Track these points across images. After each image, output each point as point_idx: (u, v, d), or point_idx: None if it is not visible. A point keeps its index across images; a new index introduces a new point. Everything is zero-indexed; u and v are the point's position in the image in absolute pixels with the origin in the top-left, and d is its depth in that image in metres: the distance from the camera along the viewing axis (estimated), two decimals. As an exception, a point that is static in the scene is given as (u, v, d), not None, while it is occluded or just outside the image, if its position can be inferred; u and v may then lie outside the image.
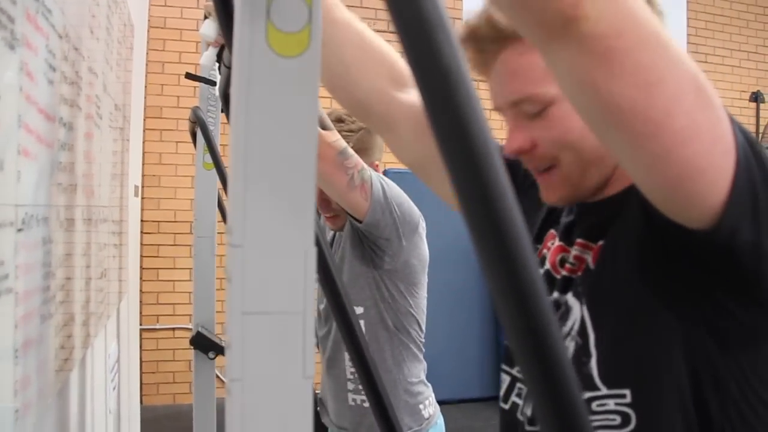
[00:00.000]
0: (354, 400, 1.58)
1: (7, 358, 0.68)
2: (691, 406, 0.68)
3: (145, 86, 3.99)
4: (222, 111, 1.76)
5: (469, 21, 0.77)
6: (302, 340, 0.42)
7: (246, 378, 0.42)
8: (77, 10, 1.05)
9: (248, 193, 0.42)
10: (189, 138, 2.18)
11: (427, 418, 1.58)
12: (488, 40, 0.76)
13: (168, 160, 4.57)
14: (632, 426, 0.69)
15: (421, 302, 1.61)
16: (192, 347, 1.92)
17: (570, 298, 0.79)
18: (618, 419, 0.70)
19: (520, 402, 0.86)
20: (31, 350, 0.77)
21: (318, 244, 0.43)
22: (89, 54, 1.18)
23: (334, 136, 1.38)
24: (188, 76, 1.41)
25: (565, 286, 0.81)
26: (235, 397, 0.42)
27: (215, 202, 2.00)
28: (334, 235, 1.68)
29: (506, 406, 0.88)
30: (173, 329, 4.55)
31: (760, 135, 6.11)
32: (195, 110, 1.62)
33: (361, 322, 1.54)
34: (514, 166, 0.87)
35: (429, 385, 1.65)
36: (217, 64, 1.15)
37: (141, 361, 4.03)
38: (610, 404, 0.70)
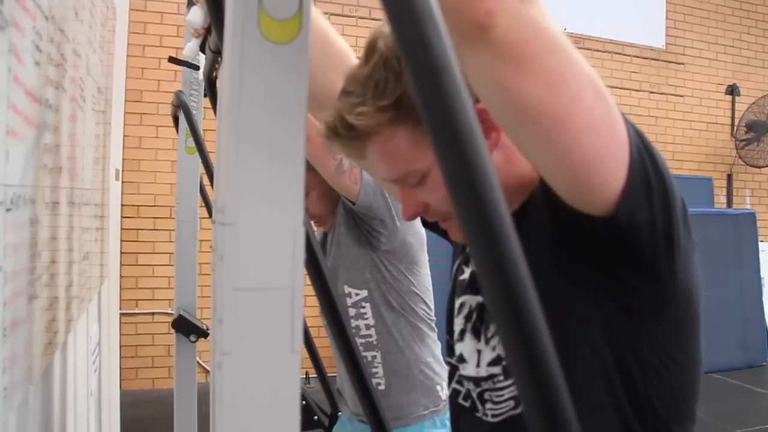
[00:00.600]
0: None
1: (-3, 336, 0.69)
2: (614, 373, 0.76)
3: (126, 69, 3.96)
4: (205, 95, 1.76)
5: (327, 121, 0.83)
6: (290, 315, 0.44)
7: (236, 351, 0.44)
8: (62, -8, 1.05)
9: (239, 174, 0.43)
10: (170, 122, 2.17)
11: (444, 400, 1.58)
12: (349, 138, 0.82)
13: (148, 145, 4.54)
14: None
15: (423, 280, 1.62)
16: (174, 330, 1.93)
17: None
18: None
19: (461, 388, 0.95)
20: (19, 329, 0.78)
21: (305, 224, 0.45)
22: (73, 36, 1.17)
23: None
24: (171, 60, 1.40)
25: (478, 286, 0.86)
26: (225, 370, 0.44)
27: (197, 186, 2.00)
28: (325, 236, 1.69)
29: (449, 393, 0.99)
30: (152, 314, 4.54)
31: (735, 127, 6.21)
32: (178, 94, 1.62)
33: (366, 306, 1.55)
34: None
35: (446, 366, 1.64)
36: (201, 54, 1.15)
37: (120, 346, 4.02)
38: None
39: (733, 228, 5.21)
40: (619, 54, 6.00)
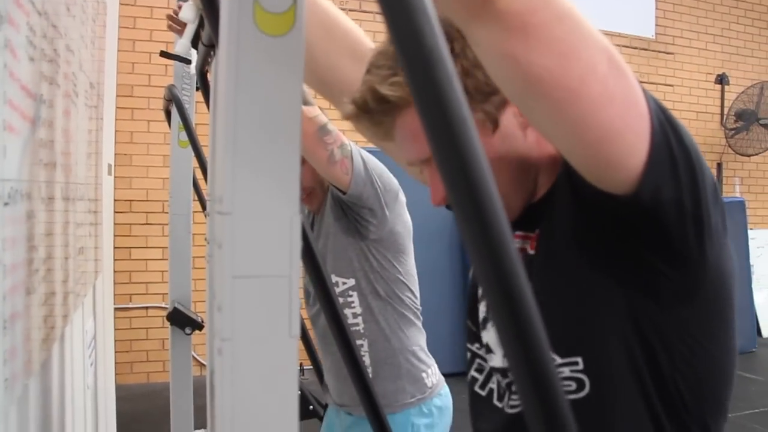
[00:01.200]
0: None
1: (-3, 328, 0.70)
2: (643, 363, 0.72)
3: (117, 64, 3.94)
4: (197, 89, 1.76)
5: (355, 97, 0.79)
6: (288, 301, 0.46)
7: (236, 337, 0.45)
8: (54, -13, 1.06)
9: (237, 165, 0.44)
10: (161, 117, 2.18)
11: (431, 387, 1.60)
12: (380, 113, 0.79)
13: (140, 139, 4.53)
14: (587, 390, 0.75)
15: (410, 269, 1.63)
16: (169, 323, 1.94)
17: None
18: (574, 385, 0.75)
19: (479, 377, 0.93)
20: (18, 322, 0.79)
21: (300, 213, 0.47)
22: (66, 31, 1.18)
23: (315, 112, 1.41)
24: (163, 54, 1.40)
25: None
26: (225, 356, 0.45)
27: (190, 179, 2.01)
28: (313, 219, 1.70)
29: (468, 380, 0.96)
30: (146, 308, 4.54)
31: (725, 116, 6.25)
32: (170, 88, 1.63)
33: (354, 294, 1.56)
34: None
35: (431, 356, 1.65)
36: (193, 50, 1.16)
37: (115, 340, 4.02)
38: (566, 371, 0.75)
39: (722, 216, 5.25)
40: (609, 44, 6.01)
